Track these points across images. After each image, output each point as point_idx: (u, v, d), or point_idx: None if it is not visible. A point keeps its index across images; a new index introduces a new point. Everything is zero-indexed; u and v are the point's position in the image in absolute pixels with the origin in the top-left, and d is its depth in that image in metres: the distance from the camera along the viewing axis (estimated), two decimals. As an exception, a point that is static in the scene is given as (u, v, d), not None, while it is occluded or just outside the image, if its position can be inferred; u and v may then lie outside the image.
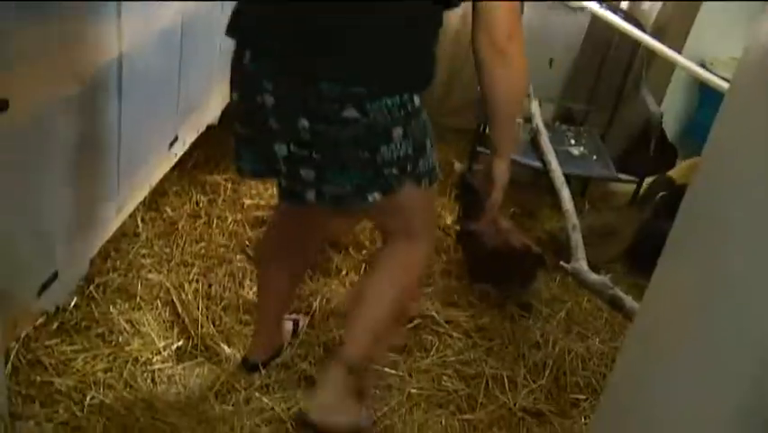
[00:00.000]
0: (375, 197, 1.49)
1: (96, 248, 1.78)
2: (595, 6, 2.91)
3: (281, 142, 1.47)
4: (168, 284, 2.13)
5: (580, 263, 2.14)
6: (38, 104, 1.41)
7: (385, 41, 1.42)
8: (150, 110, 1.94)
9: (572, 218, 2.29)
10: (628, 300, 1.96)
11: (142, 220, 2.38)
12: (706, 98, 3.14)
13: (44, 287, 1.51)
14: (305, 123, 1.42)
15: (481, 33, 1.46)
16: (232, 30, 1.52)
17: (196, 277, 2.19)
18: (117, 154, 1.81)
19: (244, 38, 1.49)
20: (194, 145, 2.44)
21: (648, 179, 2.85)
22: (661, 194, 2.59)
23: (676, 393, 1.04)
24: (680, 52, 2.98)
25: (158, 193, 2.45)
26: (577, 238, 2.24)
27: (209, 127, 2.41)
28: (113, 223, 1.87)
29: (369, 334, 1.64)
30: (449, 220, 2.49)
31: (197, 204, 2.54)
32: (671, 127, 3.03)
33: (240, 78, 1.52)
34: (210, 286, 2.17)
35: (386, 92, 1.41)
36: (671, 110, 3.17)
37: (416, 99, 1.46)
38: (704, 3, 2.96)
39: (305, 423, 1.68)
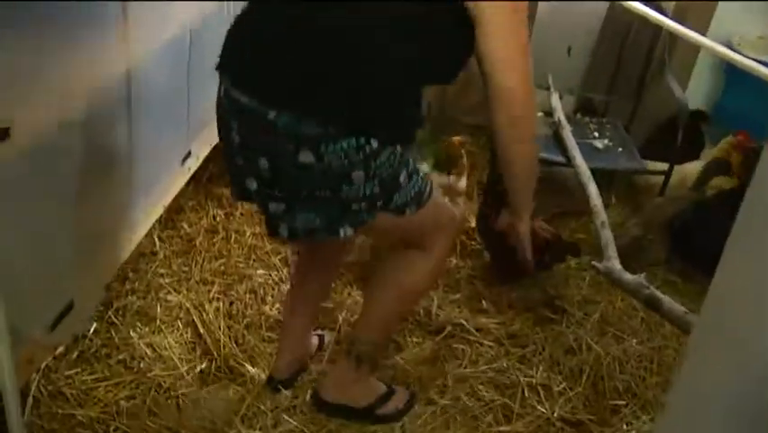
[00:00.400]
0: (347, 230, 1.50)
1: (111, 273, 1.74)
2: (613, -8, 2.81)
3: (250, 178, 1.49)
4: (188, 304, 2.07)
5: (612, 262, 2.05)
6: (42, 128, 1.36)
7: (344, 82, 1.37)
8: (161, 126, 1.89)
9: (601, 215, 2.19)
10: (666, 300, 1.86)
11: (159, 238, 2.33)
12: (732, 82, 3.03)
13: (59, 319, 1.46)
14: (265, 162, 1.43)
15: (499, 110, 1.46)
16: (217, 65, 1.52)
17: (216, 295, 2.14)
18: (129, 174, 1.76)
19: (220, 72, 1.50)
20: (208, 158, 2.39)
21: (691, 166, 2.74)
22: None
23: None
24: (704, 33, 2.88)
25: (174, 209, 2.40)
26: (607, 235, 2.14)
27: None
28: (128, 246, 1.83)
29: (373, 331, 1.75)
30: (473, 223, 2.41)
31: (214, 218, 2.48)
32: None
33: (217, 114, 1.53)
34: (231, 304, 2.11)
35: (340, 134, 1.37)
36: (695, 94, 3.07)
37: (374, 141, 1.40)
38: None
39: (320, 402, 1.81)
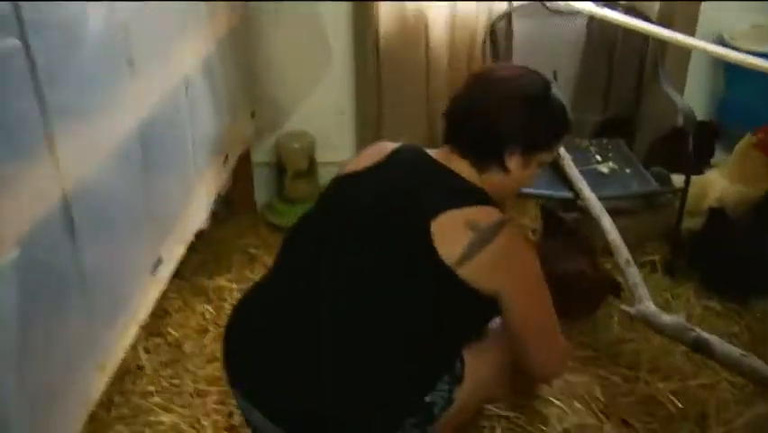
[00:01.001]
0: None
1: (79, 425, 1.49)
2: (592, 7, 2.64)
3: None
4: (182, 424, 1.86)
5: (645, 305, 1.84)
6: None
7: (355, 401, 1.35)
8: (118, 243, 1.66)
9: (623, 251, 1.99)
10: (717, 342, 1.65)
11: (146, 350, 2.12)
12: (734, 75, 2.82)
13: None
14: None
15: (529, 371, 1.53)
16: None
17: (213, 406, 1.92)
18: (88, 306, 1.53)
19: (228, 380, 1.52)
20: (188, 250, 2.18)
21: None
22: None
23: None
24: (693, 33, 2.69)
25: (157, 314, 2.19)
26: (633, 274, 1.94)
27: (199, 232, 2.15)
28: (94, 388, 1.59)
29: None
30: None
31: (203, 316, 2.28)
32: (698, 113, 2.68)
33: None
34: (231, 415, 1.89)
35: None
36: (696, 94, 2.87)
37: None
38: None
39: None
